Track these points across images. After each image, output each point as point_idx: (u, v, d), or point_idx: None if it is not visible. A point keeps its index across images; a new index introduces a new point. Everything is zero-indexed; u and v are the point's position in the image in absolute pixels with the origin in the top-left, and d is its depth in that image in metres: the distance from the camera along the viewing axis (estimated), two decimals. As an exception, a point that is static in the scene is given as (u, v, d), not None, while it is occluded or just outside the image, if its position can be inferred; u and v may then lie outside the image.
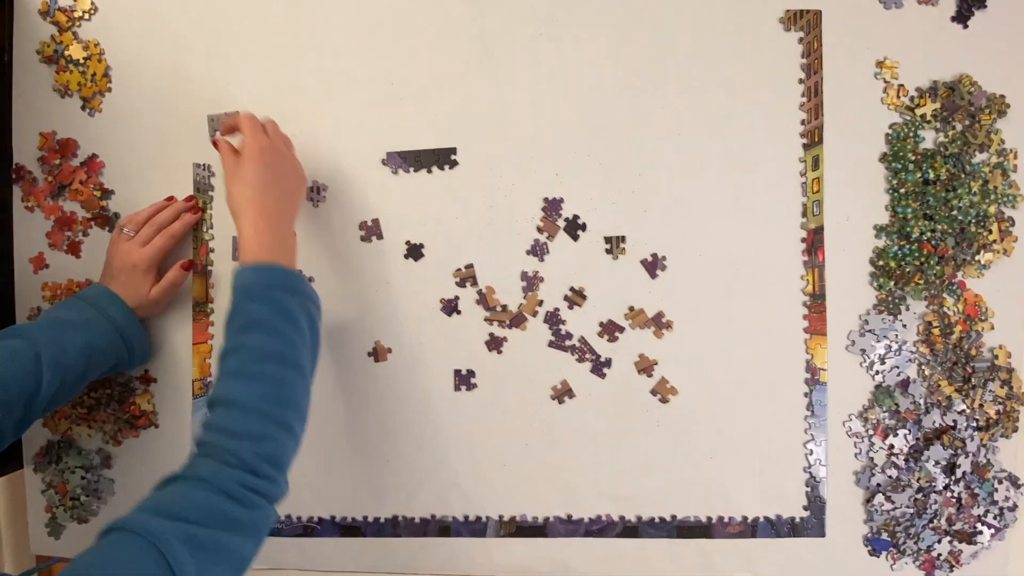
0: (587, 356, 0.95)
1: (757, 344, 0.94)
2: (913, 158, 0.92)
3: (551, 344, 0.95)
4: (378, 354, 0.97)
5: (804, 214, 0.93)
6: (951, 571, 0.93)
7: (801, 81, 0.93)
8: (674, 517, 0.95)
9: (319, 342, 0.82)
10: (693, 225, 0.94)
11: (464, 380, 0.96)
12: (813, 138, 0.93)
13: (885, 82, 0.93)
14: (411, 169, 0.96)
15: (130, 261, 0.90)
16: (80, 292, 0.91)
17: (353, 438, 0.98)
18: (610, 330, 0.95)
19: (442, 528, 0.97)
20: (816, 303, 0.93)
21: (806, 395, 0.94)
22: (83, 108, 0.99)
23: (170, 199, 0.97)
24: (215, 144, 0.88)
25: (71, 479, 1.00)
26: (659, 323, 0.94)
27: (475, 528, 0.97)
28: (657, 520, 0.95)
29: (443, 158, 0.96)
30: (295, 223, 0.87)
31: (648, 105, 0.94)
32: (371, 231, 0.96)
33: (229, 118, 0.92)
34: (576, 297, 0.95)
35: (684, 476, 0.95)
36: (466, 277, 0.96)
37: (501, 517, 0.97)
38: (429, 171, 0.96)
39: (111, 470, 1.00)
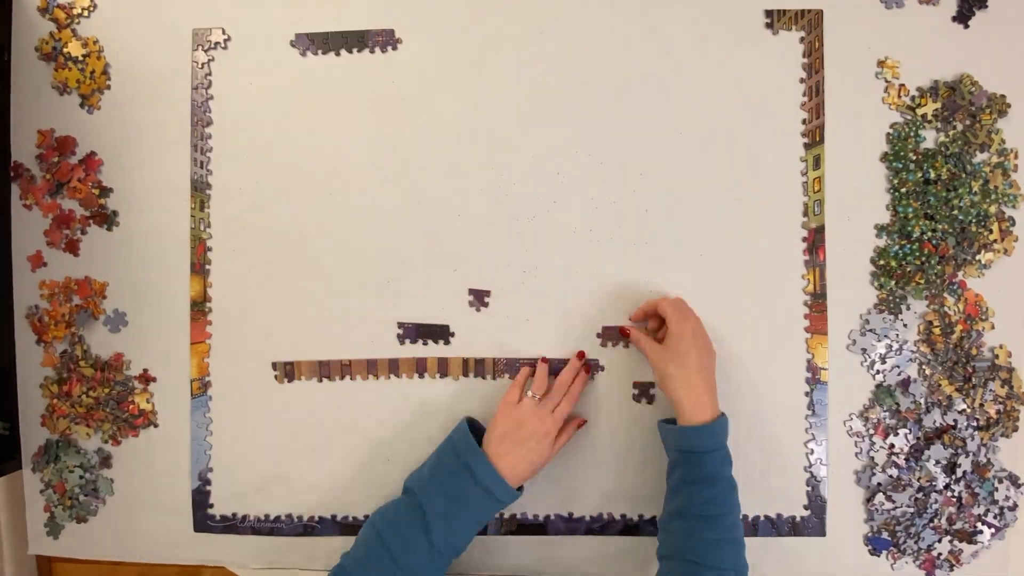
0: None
1: (758, 343, 0.94)
2: (914, 158, 0.92)
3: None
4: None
5: (805, 213, 0.93)
6: (951, 570, 0.93)
7: (802, 81, 0.93)
8: (675, 516, 0.95)
9: None
10: (694, 225, 0.94)
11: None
12: (814, 137, 0.93)
13: (886, 82, 0.93)
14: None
15: (544, 429, 0.87)
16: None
17: (354, 436, 0.97)
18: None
19: (442, 527, 0.97)
20: (817, 302, 0.93)
21: (807, 394, 0.94)
22: (82, 105, 0.99)
23: (581, 356, 0.94)
24: (623, 332, 0.92)
25: (70, 479, 0.99)
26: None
27: (475, 527, 0.97)
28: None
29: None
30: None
31: (649, 104, 0.94)
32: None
33: (646, 304, 0.92)
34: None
35: (685, 475, 0.95)
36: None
37: (502, 515, 0.97)
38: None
39: (110, 470, 1.00)
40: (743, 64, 0.94)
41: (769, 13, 0.93)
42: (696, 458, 0.82)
